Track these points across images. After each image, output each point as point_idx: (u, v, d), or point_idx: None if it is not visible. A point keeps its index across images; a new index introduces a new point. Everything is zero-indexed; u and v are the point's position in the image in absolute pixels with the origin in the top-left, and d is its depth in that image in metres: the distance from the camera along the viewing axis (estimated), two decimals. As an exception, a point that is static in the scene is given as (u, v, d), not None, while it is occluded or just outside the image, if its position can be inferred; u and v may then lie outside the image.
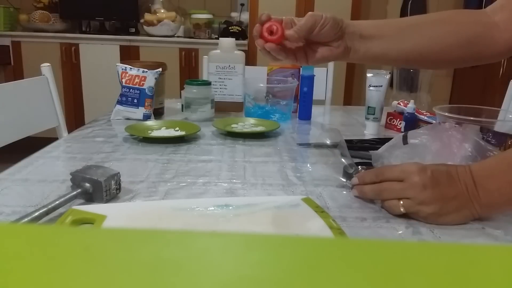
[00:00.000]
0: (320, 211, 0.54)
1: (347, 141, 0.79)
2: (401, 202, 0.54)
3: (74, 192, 0.55)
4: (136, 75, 1.07)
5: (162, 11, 3.00)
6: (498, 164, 0.54)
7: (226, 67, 1.20)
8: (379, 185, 0.58)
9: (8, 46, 2.86)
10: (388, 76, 1.04)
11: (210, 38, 3.01)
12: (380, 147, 0.72)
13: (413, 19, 0.70)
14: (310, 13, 0.67)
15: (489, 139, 0.71)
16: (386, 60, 0.70)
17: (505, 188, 0.52)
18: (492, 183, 0.52)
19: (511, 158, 0.54)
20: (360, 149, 0.86)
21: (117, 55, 2.87)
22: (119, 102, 1.08)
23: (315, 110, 1.20)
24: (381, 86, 1.03)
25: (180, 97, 1.18)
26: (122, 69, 1.08)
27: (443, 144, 0.66)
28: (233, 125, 1.01)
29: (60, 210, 0.53)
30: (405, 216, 0.55)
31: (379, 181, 0.58)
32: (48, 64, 1.20)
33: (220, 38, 1.26)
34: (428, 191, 0.53)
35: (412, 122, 1.02)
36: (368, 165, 0.69)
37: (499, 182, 0.52)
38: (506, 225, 0.54)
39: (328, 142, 0.79)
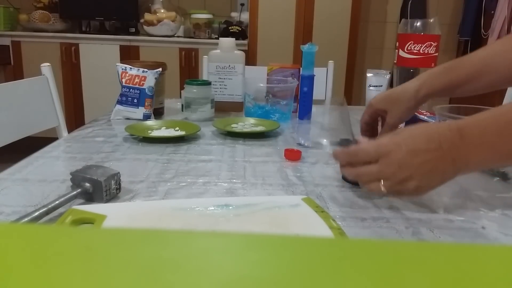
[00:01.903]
0: (320, 211, 0.54)
1: (346, 140, 0.79)
2: (382, 183, 0.55)
3: (74, 192, 0.55)
4: (136, 75, 1.07)
5: (162, 11, 3.00)
6: (494, 119, 0.53)
7: (226, 67, 1.20)
8: (356, 170, 0.58)
9: (8, 46, 2.86)
10: (388, 76, 1.04)
11: (210, 38, 3.01)
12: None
13: (479, 64, 0.72)
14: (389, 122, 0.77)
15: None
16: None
17: (499, 146, 0.51)
18: (486, 141, 0.51)
19: (509, 116, 0.52)
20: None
21: (117, 55, 2.87)
22: (119, 102, 1.08)
23: (315, 110, 1.20)
24: (381, 86, 1.03)
25: (180, 97, 1.18)
26: (122, 69, 1.08)
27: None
28: (233, 125, 1.01)
29: (60, 210, 0.53)
30: (405, 216, 0.55)
31: (355, 162, 0.58)
32: (48, 64, 1.20)
33: (220, 38, 1.26)
34: (405, 170, 0.53)
35: (412, 122, 1.02)
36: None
37: (494, 140, 0.51)
38: (506, 225, 0.54)
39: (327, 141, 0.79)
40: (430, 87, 0.73)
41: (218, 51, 1.22)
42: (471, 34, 3.07)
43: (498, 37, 2.74)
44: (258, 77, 1.24)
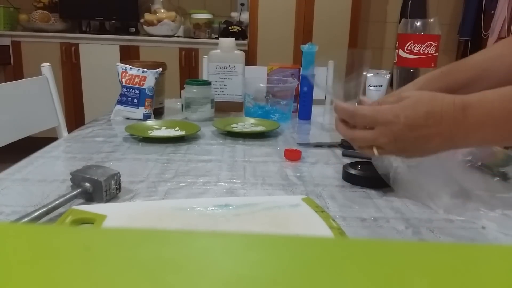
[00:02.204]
0: (320, 211, 0.54)
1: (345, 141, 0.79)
2: (375, 149, 0.56)
3: (74, 192, 0.55)
4: (136, 75, 1.07)
5: (162, 11, 3.00)
6: (501, 103, 0.52)
7: (226, 67, 1.20)
8: (351, 133, 0.58)
9: (8, 46, 2.86)
10: (388, 76, 1.04)
11: (210, 38, 3.01)
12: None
13: (477, 69, 0.72)
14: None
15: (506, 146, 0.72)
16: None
17: (501, 130, 0.51)
18: (489, 123, 0.51)
19: None
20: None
21: (117, 55, 2.87)
22: (119, 102, 1.08)
23: (315, 110, 1.20)
24: (381, 86, 1.03)
25: (180, 97, 1.18)
26: (122, 69, 1.08)
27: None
28: (233, 125, 1.01)
29: (60, 210, 0.53)
30: (405, 216, 0.55)
31: (351, 123, 0.59)
32: (48, 64, 1.20)
33: (220, 38, 1.26)
34: (400, 142, 0.53)
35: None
36: (368, 164, 0.69)
37: (497, 124, 0.51)
38: (506, 225, 0.54)
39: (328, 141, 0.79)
40: None
41: (218, 51, 1.22)
42: (471, 34, 3.07)
43: (498, 37, 2.74)
44: (258, 77, 1.24)
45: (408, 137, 0.53)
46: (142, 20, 3.00)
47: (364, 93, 0.72)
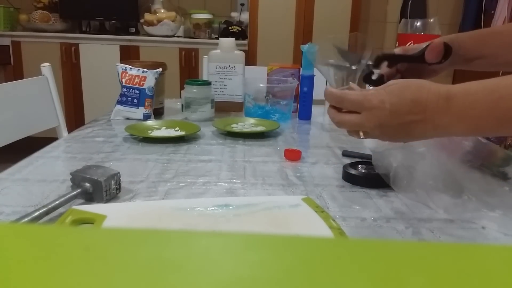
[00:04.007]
0: (320, 211, 0.54)
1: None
2: (361, 133, 0.57)
3: (74, 192, 0.55)
4: (136, 75, 1.07)
5: (162, 11, 3.00)
6: (485, 95, 0.51)
7: (226, 67, 1.20)
8: (339, 117, 0.59)
9: (8, 46, 2.86)
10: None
11: (210, 38, 3.01)
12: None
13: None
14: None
15: (489, 136, 0.72)
16: (487, 69, 0.74)
17: (484, 122, 0.51)
18: (472, 114, 0.51)
19: (500, 92, 0.50)
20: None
21: (117, 55, 2.87)
22: (119, 102, 1.08)
23: (315, 110, 1.20)
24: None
25: (180, 97, 1.18)
26: (122, 69, 1.08)
27: (443, 142, 0.66)
28: (233, 125, 1.01)
29: (60, 210, 0.53)
30: (405, 216, 0.55)
31: (339, 107, 0.59)
32: (48, 64, 1.20)
33: (220, 38, 1.26)
34: (384, 128, 0.54)
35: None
36: (368, 164, 0.69)
37: (480, 115, 0.50)
38: (506, 225, 0.54)
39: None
40: (462, 51, 0.71)
41: (218, 51, 1.22)
42: (471, 34, 3.06)
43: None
44: (258, 77, 1.24)
45: (392, 123, 0.53)
46: (142, 20, 3.00)
47: (367, 78, 0.72)
